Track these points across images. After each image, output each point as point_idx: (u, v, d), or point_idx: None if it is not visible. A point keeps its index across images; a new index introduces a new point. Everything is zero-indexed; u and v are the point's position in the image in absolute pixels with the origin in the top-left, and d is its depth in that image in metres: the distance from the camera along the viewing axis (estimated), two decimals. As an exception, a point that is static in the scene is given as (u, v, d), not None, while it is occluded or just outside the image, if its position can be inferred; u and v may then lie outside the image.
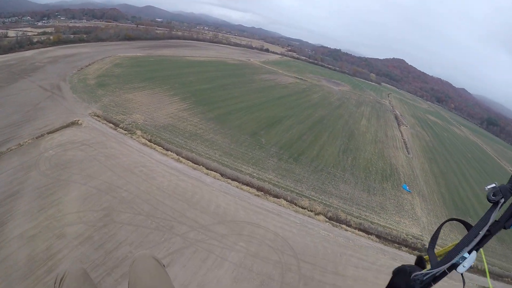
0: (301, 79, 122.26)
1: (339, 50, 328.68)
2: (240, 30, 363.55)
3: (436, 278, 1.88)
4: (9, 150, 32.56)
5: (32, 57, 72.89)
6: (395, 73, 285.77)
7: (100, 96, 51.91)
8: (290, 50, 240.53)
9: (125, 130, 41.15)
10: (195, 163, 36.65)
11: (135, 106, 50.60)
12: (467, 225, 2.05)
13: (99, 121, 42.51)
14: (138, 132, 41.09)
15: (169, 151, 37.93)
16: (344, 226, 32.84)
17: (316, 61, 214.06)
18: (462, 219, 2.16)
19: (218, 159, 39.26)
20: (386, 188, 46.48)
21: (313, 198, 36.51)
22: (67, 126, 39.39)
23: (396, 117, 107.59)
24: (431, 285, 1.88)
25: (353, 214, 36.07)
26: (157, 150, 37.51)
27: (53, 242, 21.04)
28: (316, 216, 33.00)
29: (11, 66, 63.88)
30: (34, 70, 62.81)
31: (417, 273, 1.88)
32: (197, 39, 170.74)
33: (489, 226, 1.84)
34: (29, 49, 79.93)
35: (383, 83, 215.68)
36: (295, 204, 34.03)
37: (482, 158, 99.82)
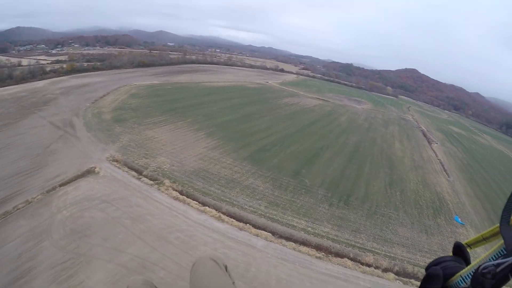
0: (323, 100, 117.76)
1: (351, 64, 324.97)
2: (251, 51, 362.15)
3: None
4: (16, 209, 27.56)
5: (44, 88, 69.18)
6: (409, 84, 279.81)
7: (118, 135, 46.81)
8: (303, 69, 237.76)
9: (150, 180, 35.68)
10: (239, 221, 31.11)
11: (158, 146, 45.34)
12: None
13: (119, 167, 37.18)
14: (167, 182, 35.53)
15: (207, 207, 32.30)
16: (413, 281, 28.52)
17: (331, 78, 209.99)
18: None
19: (265, 213, 33.72)
20: (440, 224, 41.89)
21: (376, 251, 31.72)
22: (82, 175, 34.20)
23: (424, 134, 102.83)
24: (509, 279, 1.18)
25: (419, 264, 31.30)
26: (192, 206, 31.88)
27: None
28: (385, 274, 28.40)
29: (21, 98, 60.05)
30: (46, 103, 58.87)
31: (486, 263, 1.20)
32: (212, 63, 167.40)
33: None
34: (41, 79, 77.10)
35: (399, 96, 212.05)
36: (360, 263, 29.15)
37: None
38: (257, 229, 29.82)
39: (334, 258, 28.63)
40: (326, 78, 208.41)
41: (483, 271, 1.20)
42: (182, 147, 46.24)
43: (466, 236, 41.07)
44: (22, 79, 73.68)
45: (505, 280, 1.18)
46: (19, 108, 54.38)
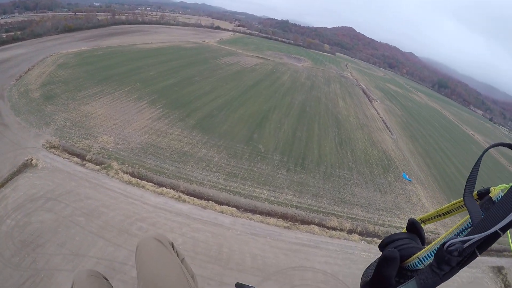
0: (264, 58, 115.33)
1: (287, 21, 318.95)
2: (184, 7, 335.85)
3: (484, 244, 1.14)
4: None
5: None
6: (346, 42, 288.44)
7: (51, 115, 40.25)
8: (239, 25, 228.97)
9: (96, 165, 31.58)
10: (201, 199, 29.70)
11: (98, 123, 40.16)
12: None
13: (58, 155, 32.10)
14: (115, 165, 31.84)
15: (163, 187, 29.99)
16: (375, 239, 30.64)
17: (268, 35, 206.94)
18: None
19: (225, 186, 32.72)
20: (391, 182, 44.86)
21: (339, 213, 33.33)
22: (19, 171, 28.49)
23: (364, 92, 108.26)
24: (476, 255, 1.17)
25: (378, 223, 33.78)
26: (147, 189, 29.18)
27: None
28: (350, 236, 30.14)
29: None
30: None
31: (452, 240, 1.14)
32: (143, 22, 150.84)
33: None
34: None
35: (337, 53, 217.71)
36: (327, 228, 30.41)
37: (447, 126, 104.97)
38: (220, 205, 28.92)
39: (301, 226, 29.41)
40: (264, 35, 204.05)
41: (449, 248, 1.13)
42: (124, 121, 41.77)
43: (414, 192, 44.82)
44: None
45: (472, 256, 1.15)
46: None
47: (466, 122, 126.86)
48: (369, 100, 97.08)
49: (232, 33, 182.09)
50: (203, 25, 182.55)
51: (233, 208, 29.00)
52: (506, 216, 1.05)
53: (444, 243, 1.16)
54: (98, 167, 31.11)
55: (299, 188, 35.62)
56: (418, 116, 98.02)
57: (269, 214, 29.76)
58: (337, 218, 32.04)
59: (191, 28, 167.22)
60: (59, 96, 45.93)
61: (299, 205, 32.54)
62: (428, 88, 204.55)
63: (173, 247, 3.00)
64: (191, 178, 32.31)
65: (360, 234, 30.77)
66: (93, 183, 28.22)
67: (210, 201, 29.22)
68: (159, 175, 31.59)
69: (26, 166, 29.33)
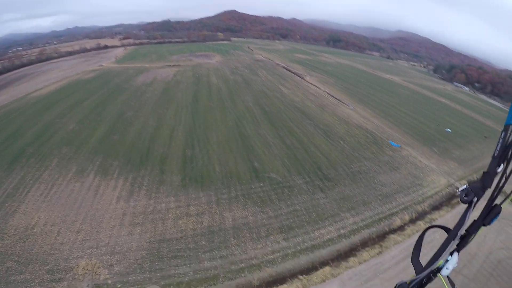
0: (175, 65, 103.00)
1: (169, 20, 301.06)
2: (56, 37, 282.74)
3: (423, 285, 2.03)
4: None
5: None
6: (234, 25, 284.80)
7: None
8: (125, 38, 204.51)
9: None
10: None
11: (52, 241, 25.58)
12: (447, 230, 2.13)
13: None
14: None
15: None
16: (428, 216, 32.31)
17: (159, 40, 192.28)
18: (441, 225, 2.22)
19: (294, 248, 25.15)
20: (389, 154, 45.74)
21: (391, 211, 32.31)
22: None
23: (289, 70, 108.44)
24: None
25: (418, 200, 35.12)
26: None
27: None
28: (415, 225, 29.83)
29: None
30: None
31: (401, 282, 1.99)
32: (24, 64, 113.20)
33: (467, 226, 1.99)
34: None
35: (232, 38, 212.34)
36: (396, 231, 28.48)
37: (369, 78, 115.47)
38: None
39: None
40: (155, 41, 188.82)
41: (399, 286, 1.89)
42: (88, 220, 28.14)
43: (411, 155, 46.62)
44: None
45: None
46: None
47: (377, 68, 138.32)
48: (300, 77, 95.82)
49: (123, 48, 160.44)
50: (89, 48, 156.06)
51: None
52: (433, 266, 1.78)
53: (396, 284, 2.05)
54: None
55: (346, 205, 31.88)
56: (345, 78, 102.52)
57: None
58: (394, 215, 31.34)
59: (79, 55, 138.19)
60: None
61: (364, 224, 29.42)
62: (325, 46, 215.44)
63: None
64: (254, 262, 23.63)
65: (417, 219, 31.43)
66: None
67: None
68: (211, 285, 21.30)
69: None
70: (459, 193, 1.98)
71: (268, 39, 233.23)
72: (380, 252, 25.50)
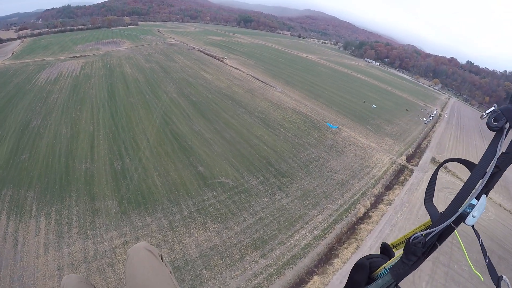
0: (81, 56, 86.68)
1: (69, 6, 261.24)
2: None
3: (442, 236, 1.46)
4: None
5: None
6: (140, 7, 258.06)
7: None
8: (22, 29, 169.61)
9: None
10: None
11: None
12: (469, 165, 1.59)
13: None
14: None
15: None
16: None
17: (61, 28, 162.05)
18: (461, 158, 1.66)
19: None
20: (334, 138, 45.79)
21: (351, 197, 31.97)
22: None
23: (207, 54, 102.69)
24: (437, 246, 1.47)
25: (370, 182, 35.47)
26: None
27: None
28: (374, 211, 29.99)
29: None
30: None
31: (416, 234, 1.45)
32: None
33: (497, 159, 1.45)
34: None
35: (140, 22, 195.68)
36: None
37: (288, 58, 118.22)
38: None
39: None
40: (56, 30, 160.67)
41: (414, 241, 1.40)
42: (18, 284, 19.79)
43: (348, 134, 47.99)
44: None
45: (434, 247, 1.43)
46: None
47: (292, 47, 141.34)
48: (219, 60, 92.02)
49: (20, 40, 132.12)
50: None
51: None
52: (456, 213, 1.33)
53: (410, 237, 1.42)
54: None
55: (309, 201, 30.12)
56: (265, 59, 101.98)
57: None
58: (357, 203, 31.21)
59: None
60: None
61: (333, 219, 28.16)
62: (237, 27, 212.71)
63: (162, 258, 2.69)
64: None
65: (376, 202, 32.04)
66: None
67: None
68: None
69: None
70: (485, 116, 1.42)
71: (178, 21, 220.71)
72: (358, 246, 24.73)
